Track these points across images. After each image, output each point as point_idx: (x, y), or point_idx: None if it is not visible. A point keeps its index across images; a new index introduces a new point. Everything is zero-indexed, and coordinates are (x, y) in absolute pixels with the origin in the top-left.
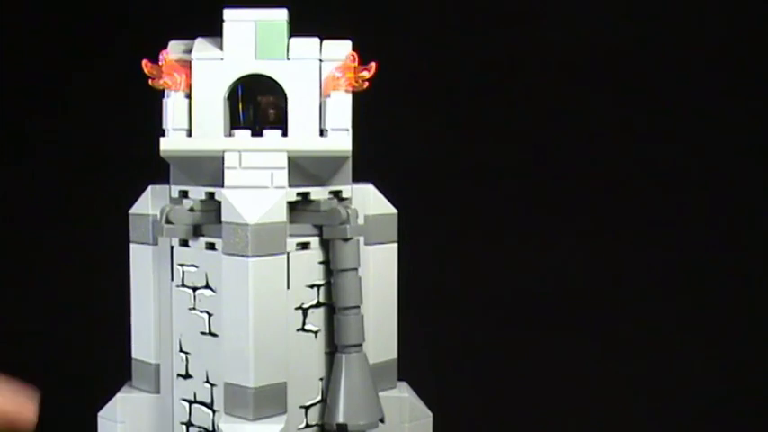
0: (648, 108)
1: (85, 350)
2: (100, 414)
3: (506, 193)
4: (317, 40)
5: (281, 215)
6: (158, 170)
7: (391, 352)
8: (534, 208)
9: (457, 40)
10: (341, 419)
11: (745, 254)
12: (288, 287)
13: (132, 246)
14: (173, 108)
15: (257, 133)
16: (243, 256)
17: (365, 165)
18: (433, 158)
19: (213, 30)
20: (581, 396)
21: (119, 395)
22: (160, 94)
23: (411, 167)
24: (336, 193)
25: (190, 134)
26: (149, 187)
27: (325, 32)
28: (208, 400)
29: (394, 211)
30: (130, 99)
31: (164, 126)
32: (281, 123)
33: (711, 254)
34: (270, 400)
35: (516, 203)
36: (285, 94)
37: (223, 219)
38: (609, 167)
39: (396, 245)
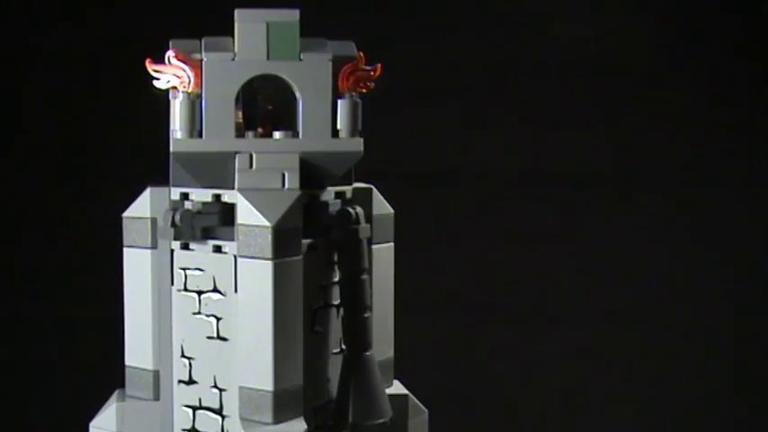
0: (650, 109)
1: (68, 357)
2: (92, 424)
3: (506, 193)
4: (326, 40)
5: (298, 217)
6: (146, 172)
7: (388, 350)
8: (533, 208)
9: (457, 41)
10: (352, 420)
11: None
12: None
13: (126, 250)
14: (181, 108)
15: (267, 134)
16: (262, 258)
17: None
18: (433, 158)
19: (206, 29)
20: (579, 393)
21: (115, 404)
22: (165, 95)
23: (409, 167)
24: (341, 195)
25: (200, 135)
26: (148, 189)
27: (318, 34)
28: (216, 406)
29: (391, 211)
30: (122, 101)
31: (172, 127)
32: (281, 123)
33: (709, 254)
34: (288, 402)
35: (516, 203)
36: (294, 94)
37: (239, 221)
38: (610, 168)
39: (392, 245)
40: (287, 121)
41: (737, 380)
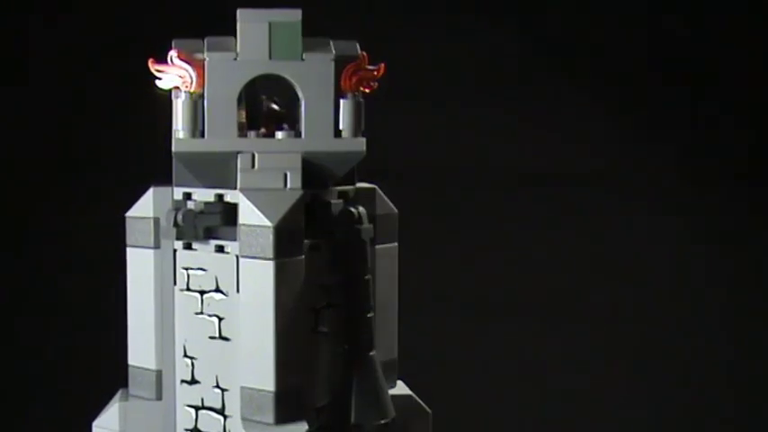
0: (649, 109)
1: (71, 357)
2: (95, 423)
3: (505, 194)
4: (329, 40)
5: (300, 216)
6: (150, 172)
7: (392, 351)
8: (534, 208)
9: (457, 41)
10: (354, 420)
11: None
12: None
13: (129, 250)
14: (183, 108)
15: (269, 134)
16: (264, 258)
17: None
18: (434, 159)
19: (208, 28)
20: (579, 393)
21: (118, 403)
22: (168, 95)
23: (410, 167)
24: (343, 194)
25: (202, 134)
26: (151, 189)
27: (320, 33)
28: (218, 406)
29: (395, 211)
30: (124, 101)
31: (174, 126)
32: (280, 123)
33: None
34: (290, 403)
35: (516, 203)
36: (296, 94)
37: (241, 221)
38: (610, 168)
39: (396, 245)
40: (289, 120)
41: (737, 379)
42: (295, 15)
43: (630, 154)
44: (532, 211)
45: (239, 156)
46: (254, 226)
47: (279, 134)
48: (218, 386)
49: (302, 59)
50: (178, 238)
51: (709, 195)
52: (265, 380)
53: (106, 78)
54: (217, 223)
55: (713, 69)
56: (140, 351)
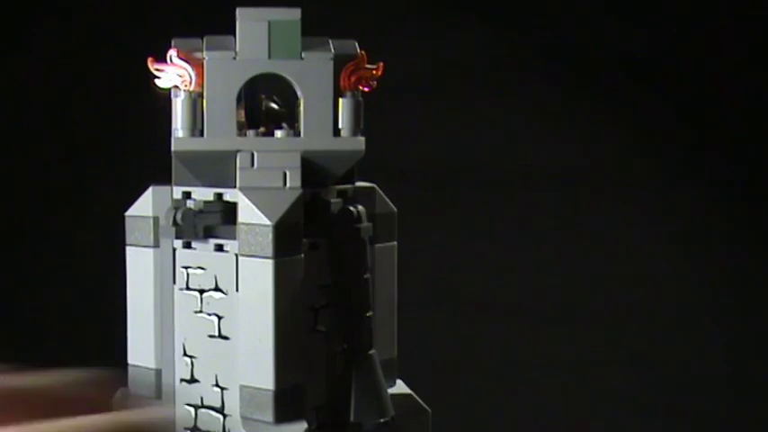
0: (648, 109)
1: (71, 356)
2: None
3: (505, 193)
4: (328, 39)
5: (299, 215)
6: (149, 171)
7: (391, 350)
8: (534, 207)
9: (457, 41)
10: (353, 419)
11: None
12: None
13: (129, 249)
14: (183, 107)
15: (268, 133)
16: (263, 257)
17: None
18: (433, 158)
19: (207, 27)
20: (578, 392)
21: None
22: (165, 94)
23: (409, 166)
24: (343, 193)
25: (201, 134)
26: (150, 188)
27: (320, 33)
28: (217, 405)
29: (394, 210)
30: (124, 100)
31: (174, 125)
32: (279, 122)
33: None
34: (289, 402)
35: (516, 203)
36: (295, 93)
37: (240, 220)
38: (611, 168)
39: (395, 244)
40: (288, 119)
41: (735, 379)
42: (294, 14)
43: (631, 154)
44: (532, 211)
45: (238, 155)
46: (254, 225)
47: (278, 133)
48: (217, 385)
49: (301, 58)
50: (177, 237)
51: (709, 195)
52: (265, 378)
53: (105, 77)
54: (216, 222)
55: (713, 69)
56: (140, 350)
